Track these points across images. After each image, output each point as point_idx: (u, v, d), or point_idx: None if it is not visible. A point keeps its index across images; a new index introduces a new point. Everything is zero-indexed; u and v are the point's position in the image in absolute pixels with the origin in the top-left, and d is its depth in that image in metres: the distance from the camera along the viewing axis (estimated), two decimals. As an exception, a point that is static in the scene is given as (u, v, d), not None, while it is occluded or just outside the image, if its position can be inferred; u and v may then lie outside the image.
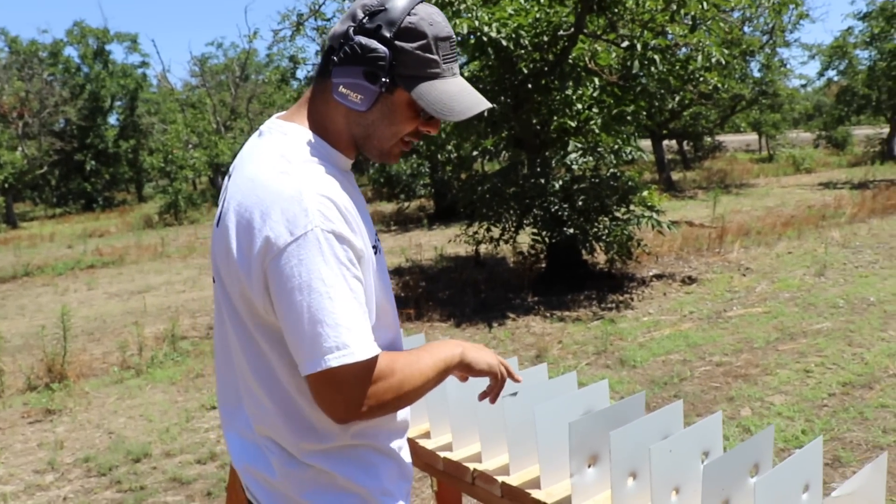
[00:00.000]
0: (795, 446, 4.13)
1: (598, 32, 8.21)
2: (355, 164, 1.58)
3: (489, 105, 1.42)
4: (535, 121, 8.69)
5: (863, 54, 27.21)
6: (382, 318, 1.45)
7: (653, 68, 7.73)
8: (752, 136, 40.27)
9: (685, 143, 30.44)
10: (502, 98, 8.36)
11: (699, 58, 7.88)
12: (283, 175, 1.29)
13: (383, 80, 1.33)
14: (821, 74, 29.84)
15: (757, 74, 23.31)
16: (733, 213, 14.55)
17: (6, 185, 25.60)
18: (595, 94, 8.59)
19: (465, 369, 1.50)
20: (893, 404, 4.62)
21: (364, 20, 1.34)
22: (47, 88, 29.82)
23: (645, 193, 8.59)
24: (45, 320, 8.87)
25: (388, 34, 1.32)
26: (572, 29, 7.75)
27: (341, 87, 1.35)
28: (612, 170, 8.78)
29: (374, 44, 1.32)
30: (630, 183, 8.56)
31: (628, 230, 8.45)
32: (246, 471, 1.44)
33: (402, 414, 1.51)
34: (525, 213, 8.68)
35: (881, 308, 6.89)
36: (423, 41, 1.34)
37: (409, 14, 1.33)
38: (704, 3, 7.49)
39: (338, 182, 1.33)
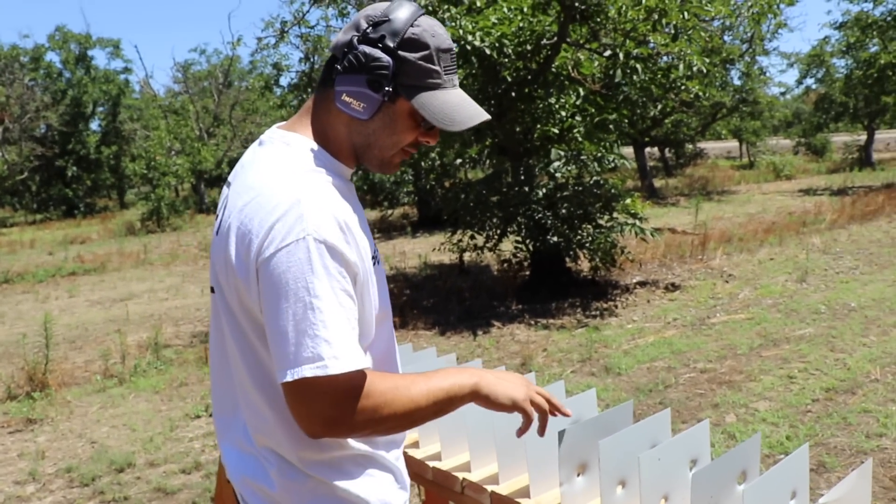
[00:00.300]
0: (780, 452, 4.16)
1: (581, 41, 8.26)
2: None
3: (488, 117, 1.44)
4: (518, 129, 8.72)
5: (840, 63, 27.61)
6: (379, 330, 1.44)
7: (635, 77, 7.78)
8: (733, 144, 40.56)
9: (667, 150, 30.63)
10: (486, 106, 8.38)
11: (681, 66, 7.94)
12: (285, 184, 1.30)
13: (386, 89, 1.34)
14: (799, 82, 30.32)
15: (737, 82, 23.54)
16: (715, 220, 14.66)
17: (-14, 191, 25.39)
18: (578, 103, 8.64)
19: (483, 402, 1.41)
20: (876, 409, 4.67)
21: (368, 30, 1.35)
22: (28, 93, 29.56)
23: (628, 201, 8.64)
24: (26, 328, 8.79)
25: (391, 44, 1.34)
26: (555, 38, 7.79)
27: (344, 95, 1.36)
28: (595, 177, 8.83)
29: (377, 53, 1.33)
30: (613, 190, 8.61)
31: (612, 237, 8.49)
32: (243, 483, 1.43)
33: None
34: (509, 221, 8.69)
35: (862, 313, 6.96)
36: (426, 52, 1.36)
37: (412, 25, 1.35)
38: (685, 13, 7.55)
39: (340, 193, 1.34)
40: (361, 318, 1.34)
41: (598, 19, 7.80)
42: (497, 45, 7.48)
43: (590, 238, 8.55)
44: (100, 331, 8.75)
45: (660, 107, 14.10)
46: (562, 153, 8.74)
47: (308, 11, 11.55)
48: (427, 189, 17.06)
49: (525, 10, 7.90)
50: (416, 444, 2.29)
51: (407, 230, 17.10)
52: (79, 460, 4.79)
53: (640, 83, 8.10)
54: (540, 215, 8.32)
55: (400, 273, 11.11)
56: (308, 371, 1.19)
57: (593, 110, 8.65)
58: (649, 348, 6.44)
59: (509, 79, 8.23)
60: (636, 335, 6.90)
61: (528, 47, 8.00)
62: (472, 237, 9.26)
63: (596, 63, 8.47)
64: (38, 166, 30.21)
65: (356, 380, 1.24)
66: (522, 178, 8.51)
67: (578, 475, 1.83)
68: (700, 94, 9.30)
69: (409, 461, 2.19)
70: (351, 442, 1.39)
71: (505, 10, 7.80)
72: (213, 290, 1.45)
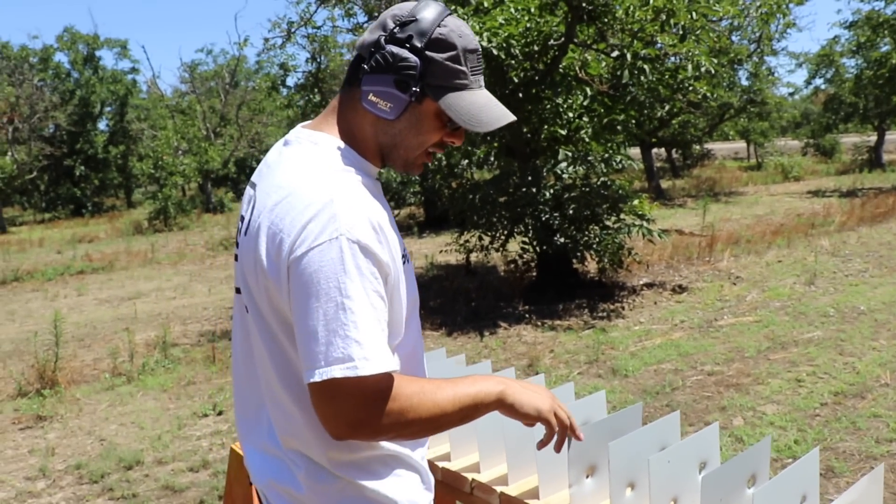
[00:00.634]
0: (788, 456, 4.16)
1: (589, 42, 8.26)
2: None
3: (514, 118, 1.44)
4: (525, 129, 8.72)
5: (849, 63, 27.46)
6: (407, 328, 1.43)
7: (642, 77, 7.77)
8: (741, 144, 40.49)
9: (674, 151, 30.57)
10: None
11: (688, 67, 7.93)
12: (317, 183, 1.29)
13: (413, 89, 1.34)
14: (808, 83, 30.08)
15: (745, 83, 23.47)
16: (723, 222, 14.62)
17: (-5, 190, 25.51)
18: (585, 103, 8.63)
19: (507, 410, 1.40)
20: (886, 414, 4.65)
21: (395, 30, 1.35)
22: (37, 94, 29.67)
23: (635, 202, 8.62)
24: (36, 326, 8.83)
25: (419, 44, 1.34)
26: (563, 38, 7.79)
27: (371, 95, 1.36)
28: (602, 178, 8.81)
29: (405, 53, 1.34)
30: (620, 191, 8.59)
31: (619, 239, 8.48)
32: (269, 486, 1.43)
33: None
34: (516, 222, 8.69)
35: (872, 317, 6.94)
36: (453, 52, 1.36)
37: (439, 25, 1.35)
38: (693, 14, 7.54)
39: (370, 192, 1.34)
40: (391, 317, 1.33)
41: (606, 20, 7.80)
42: (504, 45, 7.47)
43: (597, 239, 8.54)
44: (108, 329, 8.79)
45: (667, 107, 14.05)
46: (569, 154, 8.73)
47: (315, 12, 11.57)
48: (434, 189, 17.06)
49: (532, 10, 7.90)
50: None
51: (413, 230, 17.12)
52: (88, 457, 4.81)
53: (648, 84, 8.09)
54: (547, 216, 8.32)
55: (407, 273, 11.10)
56: (338, 371, 1.19)
57: (601, 111, 8.64)
58: (656, 350, 6.43)
59: (516, 79, 8.23)
60: (643, 337, 6.89)
61: (536, 48, 8.00)
62: (479, 238, 9.25)
63: (603, 64, 8.46)
64: (47, 166, 30.37)
65: (384, 382, 1.23)
66: (530, 178, 8.51)
67: (588, 477, 1.84)
68: (708, 94, 9.27)
69: (419, 462, 2.20)
70: (380, 441, 1.38)
71: (512, 10, 7.80)
72: (238, 291, 1.45)
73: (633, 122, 9.35)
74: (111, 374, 6.67)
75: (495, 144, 9.15)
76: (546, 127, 8.73)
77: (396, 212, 19.60)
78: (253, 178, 1.48)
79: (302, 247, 1.23)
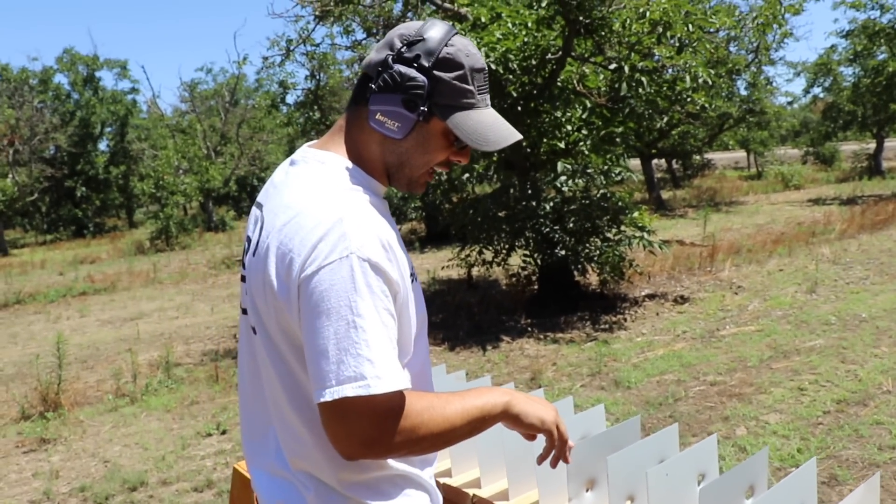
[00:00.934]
0: (791, 465, 4.15)
1: (586, 55, 8.30)
2: None
3: (521, 136, 1.44)
4: (524, 143, 8.75)
5: (847, 71, 27.55)
6: (416, 347, 1.43)
7: (640, 90, 7.80)
8: (741, 154, 40.53)
9: (674, 161, 30.62)
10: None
11: (686, 78, 7.96)
12: (326, 202, 1.29)
13: (421, 108, 1.35)
14: (806, 91, 30.18)
15: (744, 92, 23.51)
16: (724, 232, 14.63)
17: (-3, 213, 25.58)
18: (584, 116, 8.66)
19: (512, 422, 1.40)
20: (888, 421, 4.65)
21: (402, 49, 1.36)
22: (38, 115, 29.83)
23: (636, 214, 8.63)
24: (38, 348, 8.84)
25: (426, 63, 1.34)
26: (560, 52, 7.83)
27: (378, 114, 1.36)
28: (602, 190, 8.84)
29: (412, 72, 1.34)
30: (620, 203, 8.61)
31: (620, 251, 8.49)
32: None
33: None
34: (517, 236, 8.70)
35: (873, 324, 6.94)
36: (460, 71, 1.37)
37: (446, 45, 1.36)
38: (690, 26, 7.58)
39: (378, 211, 1.34)
40: (400, 336, 1.33)
41: (603, 33, 7.84)
42: (502, 60, 7.51)
43: (598, 251, 8.55)
44: (111, 350, 8.79)
45: (666, 119, 14.10)
46: (568, 167, 8.76)
47: (313, 30, 11.59)
48: (435, 204, 17.10)
49: (529, 25, 7.95)
50: (426, 462, 2.30)
51: (415, 245, 17.13)
52: (92, 479, 4.81)
53: (646, 96, 8.11)
54: (547, 229, 8.34)
55: (409, 288, 11.11)
56: (350, 390, 1.18)
57: (599, 123, 8.67)
58: (659, 361, 6.43)
59: (515, 94, 8.27)
60: (645, 348, 6.89)
61: (534, 62, 8.04)
62: (480, 252, 9.26)
63: (601, 76, 8.49)
64: (48, 187, 30.48)
65: (395, 400, 1.23)
66: (529, 192, 8.53)
67: (587, 490, 1.85)
68: (706, 105, 9.30)
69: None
70: (390, 461, 1.37)
71: (509, 25, 7.84)
72: (244, 312, 1.44)
73: (633, 133, 9.37)
74: (114, 395, 6.68)
75: (494, 159, 9.18)
76: (545, 140, 8.76)
77: (398, 227, 19.57)
78: (259, 199, 1.47)
79: (312, 266, 1.22)
